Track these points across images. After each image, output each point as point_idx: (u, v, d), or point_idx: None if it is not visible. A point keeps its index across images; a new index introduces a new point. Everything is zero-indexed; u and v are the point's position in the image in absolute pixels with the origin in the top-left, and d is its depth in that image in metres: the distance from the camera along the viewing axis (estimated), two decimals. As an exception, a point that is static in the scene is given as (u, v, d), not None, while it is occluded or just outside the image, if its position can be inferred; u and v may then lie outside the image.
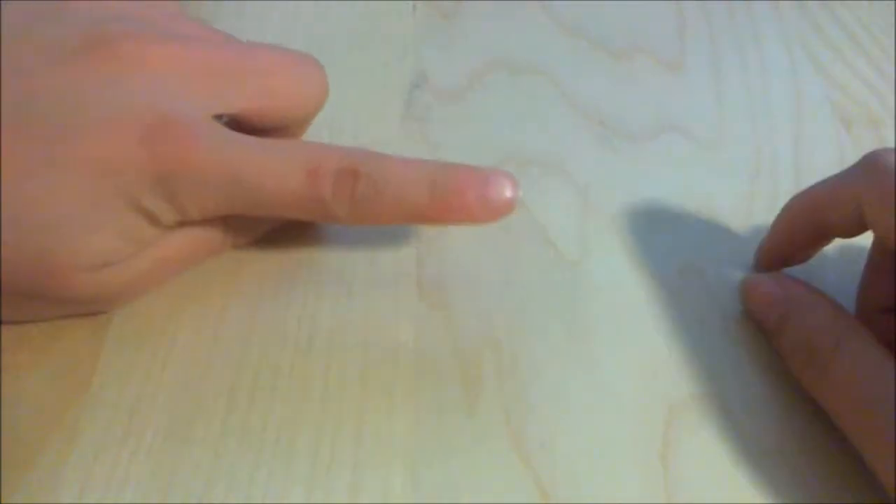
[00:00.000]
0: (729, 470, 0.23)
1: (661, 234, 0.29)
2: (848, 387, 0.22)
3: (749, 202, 0.31)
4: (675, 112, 0.34)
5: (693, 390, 0.25)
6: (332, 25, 0.37)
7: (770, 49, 0.38)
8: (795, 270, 0.28)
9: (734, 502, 0.23)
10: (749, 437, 0.24)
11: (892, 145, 0.33)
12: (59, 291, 0.23)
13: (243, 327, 0.26)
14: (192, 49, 0.24)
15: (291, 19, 0.37)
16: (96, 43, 0.22)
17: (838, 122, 0.34)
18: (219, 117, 0.24)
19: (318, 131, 0.30)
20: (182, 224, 0.24)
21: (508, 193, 0.24)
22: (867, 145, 0.33)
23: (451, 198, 0.24)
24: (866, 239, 0.25)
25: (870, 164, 0.23)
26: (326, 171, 0.24)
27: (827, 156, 0.33)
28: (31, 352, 0.25)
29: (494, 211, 0.24)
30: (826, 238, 0.26)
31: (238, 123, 0.25)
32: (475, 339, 0.26)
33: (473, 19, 0.38)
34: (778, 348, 0.25)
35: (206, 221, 0.25)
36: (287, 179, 0.23)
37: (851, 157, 0.32)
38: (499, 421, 0.24)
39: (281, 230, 0.28)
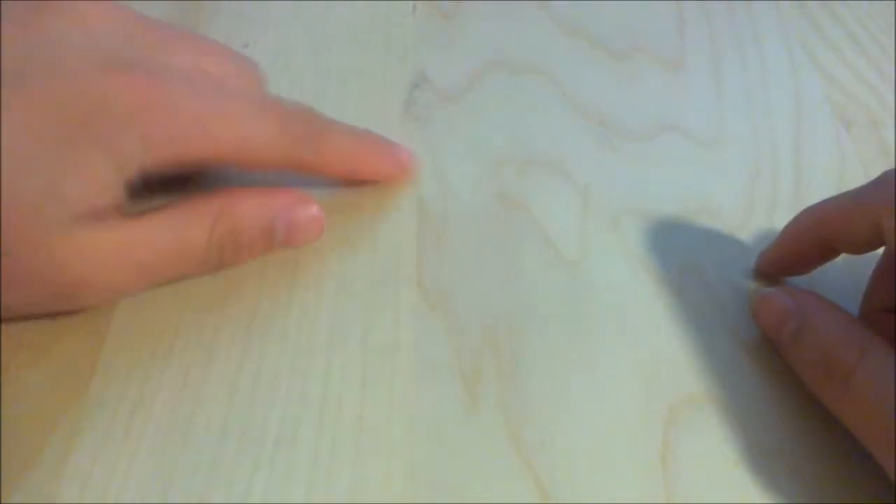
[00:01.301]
0: (729, 470, 0.23)
1: (660, 234, 0.29)
2: (872, 401, 0.22)
3: (749, 202, 0.31)
4: (675, 112, 0.34)
5: (693, 390, 0.25)
6: (332, 25, 0.37)
7: (770, 49, 0.38)
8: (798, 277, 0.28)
9: (734, 502, 0.23)
10: (749, 437, 0.24)
11: (892, 145, 0.33)
12: (32, 254, 0.23)
13: (243, 327, 0.26)
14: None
15: (291, 19, 0.37)
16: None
17: (838, 122, 0.34)
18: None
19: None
20: (148, 171, 0.24)
21: (404, 158, 0.30)
22: (867, 145, 0.33)
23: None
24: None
25: (887, 182, 0.23)
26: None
27: (827, 156, 0.33)
28: (31, 352, 0.25)
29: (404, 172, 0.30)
30: (834, 253, 0.26)
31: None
32: (475, 339, 0.26)
33: (473, 19, 0.38)
34: (793, 362, 0.25)
35: (186, 228, 0.25)
36: (259, 126, 0.25)
37: (851, 157, 0.32)
38: (499, 421, 0.24)
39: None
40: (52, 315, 0.25)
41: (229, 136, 0.25)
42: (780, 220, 0.28)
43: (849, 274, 0.28)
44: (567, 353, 0.26)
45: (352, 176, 0.29)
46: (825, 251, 0.26)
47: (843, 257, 0.26)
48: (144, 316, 0.26)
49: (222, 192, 0.26)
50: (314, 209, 0.27)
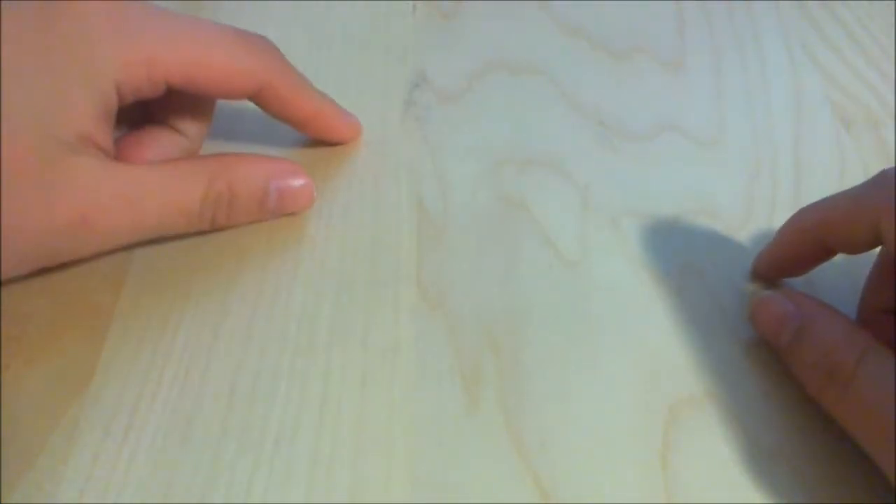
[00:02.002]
0: (729, 470, 0.23)
1: (661, 234, 0.29)
2: (872, 404, 0.21)
3: (749, 202, 0.31)
4: (675, 112, 0.34)
5: (693, 390, 0.25)
6: (332, 25, 0.37)
7: (770, 49, 0.38)
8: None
9: (734, 502, 0.23)
10: (749, 437, 0.24)
11: (892, 145, 0.33)
12: (29, 185, 0.23)
13: (243, 327, 0.26)
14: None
15: (291, 19, 0.37)
16: None
17: (838, 122, 0.34)
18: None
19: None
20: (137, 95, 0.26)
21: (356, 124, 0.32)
22: (867, 145, 0.33)
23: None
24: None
25: (885, 182, 0.23)
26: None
27: (827, 156, 0.33)
28: (31, 352, 0.25)
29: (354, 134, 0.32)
30: (831, 253, 0.26)
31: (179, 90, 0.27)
32: (475, 339, 0.26)
33: (473, 19, 0.38)
34: (792, 366, 0.24)
35: (183, 180, 0.26)
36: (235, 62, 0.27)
37: (851, 157, 0.32)
38: (499, 421, 0.24)
39: (281, 231, 0.28)
40: (52, 314, 0.25)
41: (201, 54, 0.26)
42: (780, 220, 0.27)
43: (846, 274, 0.28)
44: (567, 353, 0.26)
45: (309, 120, 0.30)
46: (822, 252, 0.26)
47: (840, 257, 0.26)
48: (144, 316, 0.26)
49: (219, 155, 0.28)
50: (306, 178, 0.29)
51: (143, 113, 0.29)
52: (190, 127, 0.29)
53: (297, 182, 0.28)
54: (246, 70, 0.27)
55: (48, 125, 0.23)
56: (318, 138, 0.31)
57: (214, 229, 0.28)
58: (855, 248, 0.24)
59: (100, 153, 0.25)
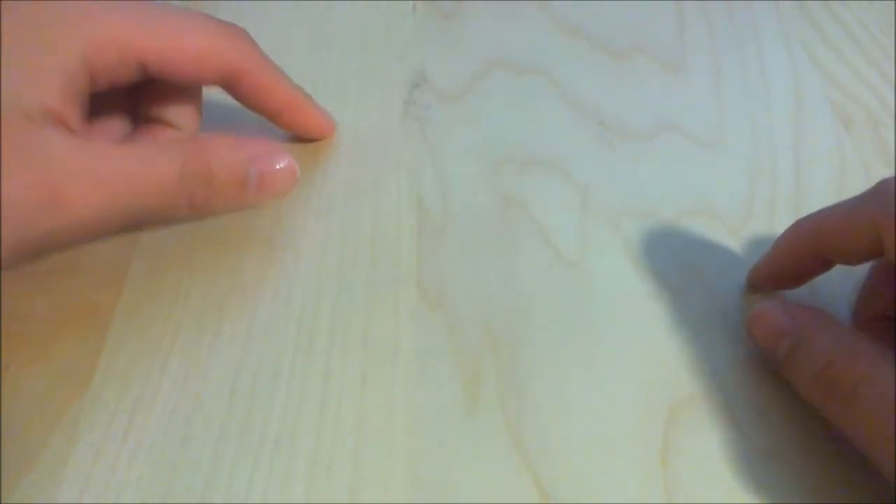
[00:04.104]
0: (729, 470, 0.23)
1: (660, 235, 0.29)
2: (876, 415, 0.21)
3: (749, 202, 0.31)
4: (674, 112, 0.34)
5: (693, 390, 0.25)
6: (333, 25, 0.37)
7: (770, 49, 0.38)
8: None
9: (734, 502, 0.23)
10: (749, 437, 0.24)
11: (892, 145, 0.33)
12: (10, 149, 0.23)
13: (243, 327, 0.26)
14: None
15: (291, 19, 0.37)
16: None
17: (838, 122, 0.34)
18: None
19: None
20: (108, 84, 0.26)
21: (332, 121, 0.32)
22: (867, 145, 0.33)
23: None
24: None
25: (885, 192, 0.23)
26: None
27: (827, 156, 0.33)
28: (31, 352, 0.25)
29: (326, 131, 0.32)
30: (829, 264, 0.26)
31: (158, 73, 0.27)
32: (475, 339, 0.26)
33: (473, 19, 0.38)
34: (791, 379, 0.24)
35: (159, 156, 0.25)
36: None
37: (851, 157, 0.32)
38: (499, 421, 0.24)
39: (281, 230, 0.28)
40: (52, 314, 0.25)
41: (173, 35, 0.26)
42: (780, 220, 0.27)
43: (850, 282, 0.28)
44: (567, 353, 0.26)
45: (283, 111, 0.30)
46: (819, 263, 0.25)
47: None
48: (144, 316, 0.26)
49: (197, 136, 0.27)
50: (289, 160, 0.27)
51: (134, 114, 0.29)
52: (183, 119, 0.29)
53: (279, 164, 0.27)
54: (219, 52, 0.27)
55: (13, 96, 0.23)
56: (292, 131, 0.31)
57: (195, 212, 0.27)
58: (853, 258, 0.24)
59: (66, 129, 0.24)
